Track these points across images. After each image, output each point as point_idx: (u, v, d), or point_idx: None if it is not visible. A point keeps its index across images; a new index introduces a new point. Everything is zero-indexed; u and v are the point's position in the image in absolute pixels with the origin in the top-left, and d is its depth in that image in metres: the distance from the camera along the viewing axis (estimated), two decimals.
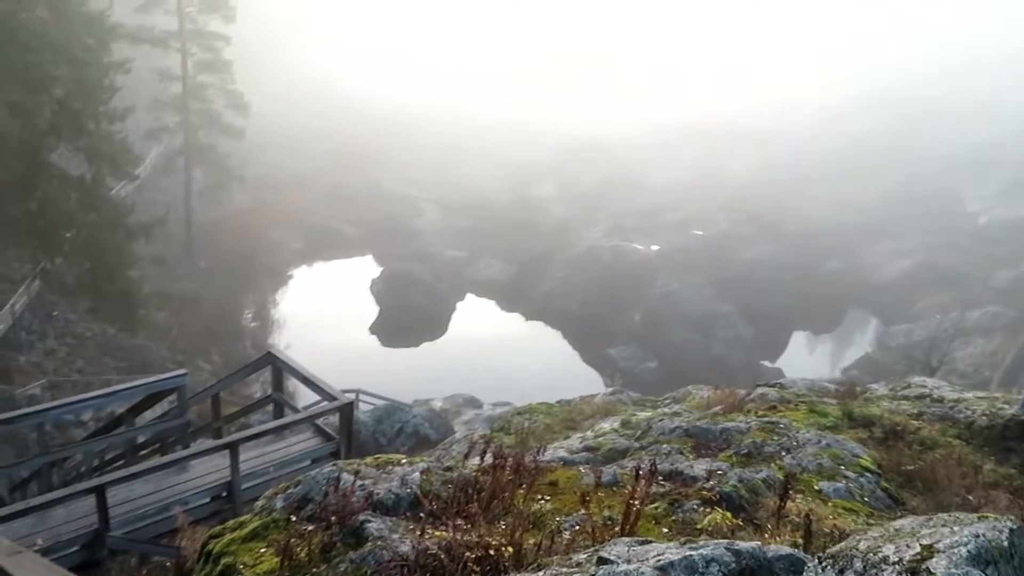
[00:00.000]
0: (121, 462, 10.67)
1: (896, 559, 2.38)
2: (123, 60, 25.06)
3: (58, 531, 6.37)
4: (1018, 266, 48.90)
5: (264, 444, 7.74)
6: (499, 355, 41.36)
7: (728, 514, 4.90)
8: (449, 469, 5.90)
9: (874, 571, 2.38)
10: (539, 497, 5.72)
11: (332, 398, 7.48)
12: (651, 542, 4.18)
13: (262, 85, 60.42)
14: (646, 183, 63.97)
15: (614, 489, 5.94)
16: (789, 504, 5.53)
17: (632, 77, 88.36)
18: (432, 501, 5.36)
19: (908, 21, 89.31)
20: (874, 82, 77.66)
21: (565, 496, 5.80)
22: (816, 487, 5.99)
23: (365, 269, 51.49)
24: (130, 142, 25.07)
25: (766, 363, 42.65)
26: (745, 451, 6.91)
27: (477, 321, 47.34)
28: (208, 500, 7.00)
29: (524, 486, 5.64)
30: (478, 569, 4.30)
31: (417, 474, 5.61)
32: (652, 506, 5.55)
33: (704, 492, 5.48)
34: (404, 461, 5.96)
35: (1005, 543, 2.72)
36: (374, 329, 44.79)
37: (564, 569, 4.03)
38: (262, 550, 4.92)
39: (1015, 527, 2.95)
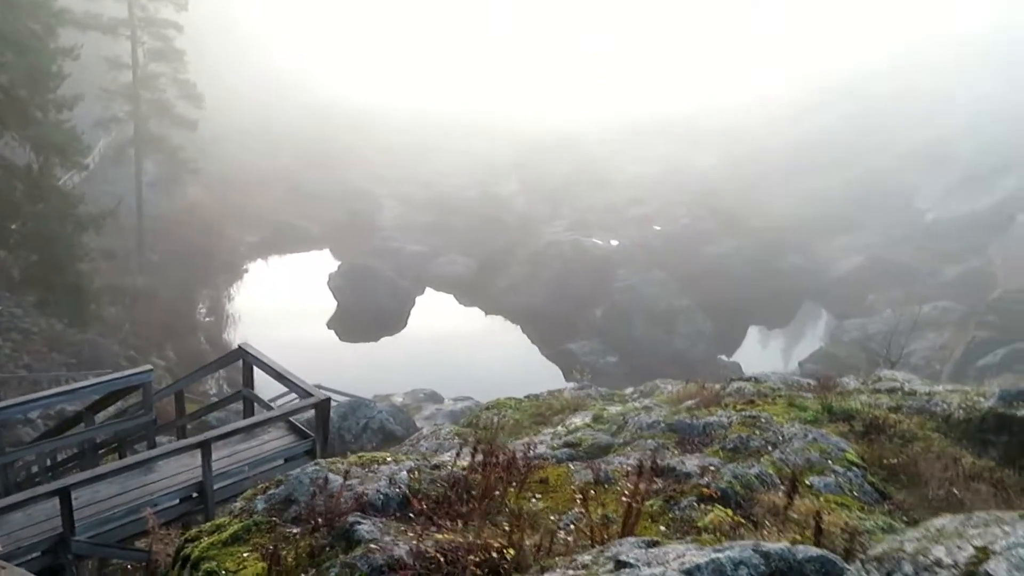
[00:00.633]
0: (75, 462, 10.24)
1: (951, 562, 2.27)
2: (71, 47, 24.12)
3: (18, 536, 6.00)
4: (966, 261, 50.27)
5: (235, 442, 7.43)
6: (459, 350, 41.18)
7: (728, 511, 4.80)
8: (437, 467, 5.71)
9: (927, 575, 2.27)
10: (531, 495, 5.56)
11: (307, 394, 7.21)
12: (659, 543, 4.04)
13: (220, 79, 58.98)
14: (610, 179, 64.16)
15: (606, 487, 5.81)
16: (780, 500, 5.47)
17: (598, 73, 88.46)
18: (422, 501, 5.16)
19: (868, 17, 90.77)
20: (835, 78, 78.75)
21: (557, 494, 5.66)
22: (807, 482, 5.94)
23: (323, 264, 50.77)
24: (79, 131, 24.15)
25: (723, 357, 43.21)
26: (731, 446, 6.85)
27: (437, 316, 47.05)
28: (177, 501, 6.68)
29: (515, 484, 5.47)
30: (479, 572, 4.12)
31: (404, 473, 5.40)
32: (647, 503, 5.43)
33: (701, 489, 5.37)
34: (390, 459, 5.75)
35: None
36: (332, 324, 44.21)
37: (571, 571, 3.88)
38: (245, 554, 4.67)
39: None
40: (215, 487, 6.66)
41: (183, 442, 6.45)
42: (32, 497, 5.63)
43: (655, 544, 4.03)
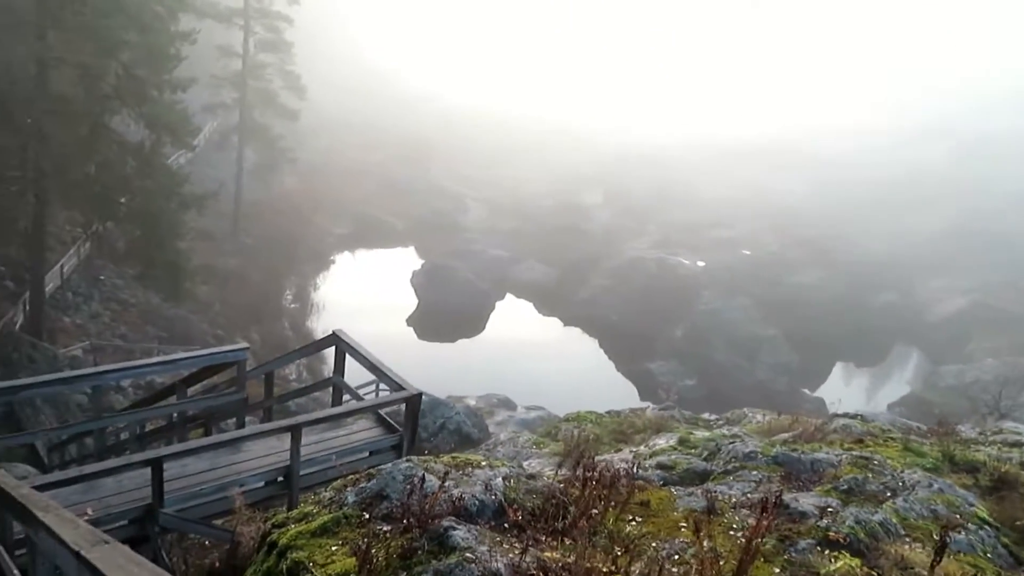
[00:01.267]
0: (163, 434, 10.37)
1: None
2: (189, 31, 25.02)
3: (108, 502, 6.00)
4: None
5: (322, 429, 7.32)
6: (535, 358, 40.84)
7: (857, 561, 4.34)
8: (532, 477, 5.42)
9: None
10: (630, 518, 5.21)
11: (399, 387, 7.03)
12: None
13: (318, 72, 60.59)
14: (696, 198, 62.93)
15: (712, 517, 5.40)
16: (910, 554, 4.96)
17: (690, 91, 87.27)
18: (517, 511, 4.88)
19: (974, 49, 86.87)
20: (936, 111, 75.61)
21: (659, 519, 5.28)
22: (936, 536, 5.38)
23: (407, 261, 51.36)
24: (190, 113, 24.99)
25: (807, 391, 41.59)
26: (844, 487, 6.32)
27: (515, 322, 46.89)
28: (262, 484, 6.59)
29: (616, 504, 5.13)
30: None
31: (500, 480, 5.13)
32: (757, 540, 5.01)
33: (823, 532, 4.91)
34: (484, 464, 5.49)
35: None
36: (411, 321, 44.58)
37: None
38: (334, 548, 4.48)
39: None
40: (300, 473, 6.54)
41: (275, 424, 6.36)
42: (125, 465, 5.61)
43: None
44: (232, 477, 6.45)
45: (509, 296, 49.64)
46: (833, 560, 4.36)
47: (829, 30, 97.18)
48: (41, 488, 5.08)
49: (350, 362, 8.13)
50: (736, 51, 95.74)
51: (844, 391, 44.85)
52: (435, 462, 5.38)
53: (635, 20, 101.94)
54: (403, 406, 7.82)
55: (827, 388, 44.31)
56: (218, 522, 6.63)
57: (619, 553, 4.30)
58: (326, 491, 5.23)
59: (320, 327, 39.31)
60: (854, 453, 7.45)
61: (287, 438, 6.92)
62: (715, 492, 5.89)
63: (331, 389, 8.48)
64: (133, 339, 28.24)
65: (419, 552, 4.29)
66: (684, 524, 5.18)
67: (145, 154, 23.13)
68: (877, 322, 48.51)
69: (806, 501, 5.58)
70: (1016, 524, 6.36)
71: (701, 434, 12.43)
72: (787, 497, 5.78)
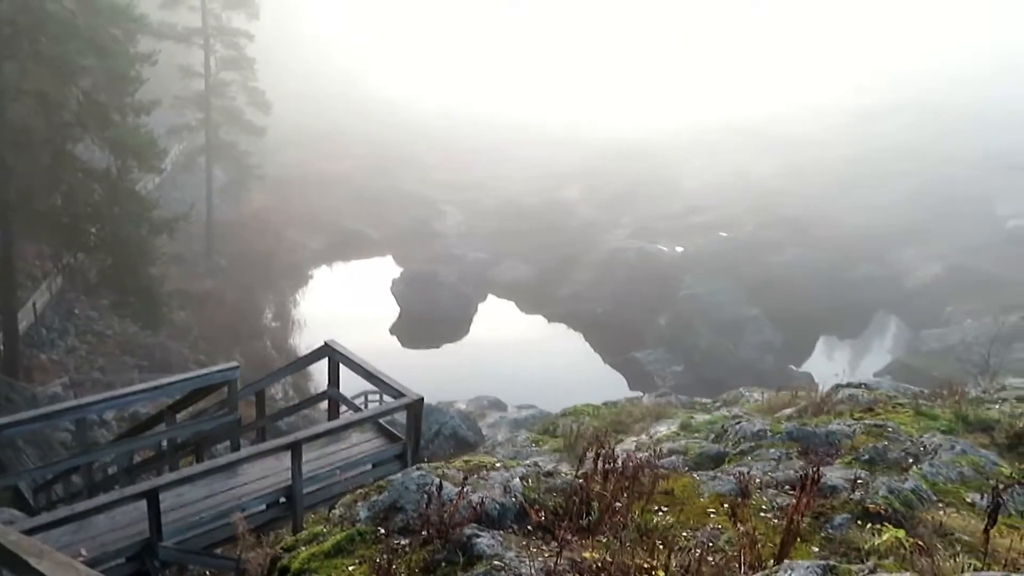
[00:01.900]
0: (153, 464, 10.02)
1: None
2: (150, 52, 24.54)
3: (103, 540, 5.68)
4: None
5: (322, 445, 7.04)
6: (522, 357, 40.62)
7: (901, 532, 4.14)
8: (550, 475, 5.19)
9: None
10: (655, 508, 4.99)
11: (399, 394, 6.77)
12: (836, 569, 3.45)
13: (282, 85, 59.96)
14: (673, 186, 63.07)
15: (739, 500, 5.20)
16: (949, 520, 4.79)
17: (660, 81, 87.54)
18: (539, 512, 4.65)
19: (938, 24, 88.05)
20: (903, 85, 76.53)
21: (685, 508, 5.07)
22: (967, 499, 5.23)
23: (386, 270, 50.92)
24: (156, 135, 24.48)
25: (793, 368, 41.73)
26: (866, 457, 6.17)
27: (499, 323, 46.65)
28: (264, 507, 6.30)
29: (641, 496, 4.91)
30: None
31: (517, 480, 4.89)
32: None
33: (858, 505, 4.72)
34: (499, 465, 5.25)
35: None
36: (394, 330, 44.18)
37: None
38: (351, 568, 4.23)
39: None
40: (304, 492, 6.26)
41: (273, 443, 6.07)
42: (119, 499, 5.30)
43: (833, 571, 3.44)
44: (232, 502, 6.16)
45: (491, 297, 49.38)
46: (877, 534, 4.17)
47: (790, 14, 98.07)
48: (31, 532, 4.77)
49: (340, 373, 7.88)
50: (701, 40, 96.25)
51: (832, 364, 45.18)
52: (447, 468, 5.13)
53: (603, 13, 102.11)
54: (403, 414, 7.59)
55: (812, 363, 44.54)
56: (220, 550, 6.34)
57: (655, 547, 4.08)
58: (336, 508, 4.97)
59: (303, 343, 38.81)
60: (867, 422, 7.31)
61: (286, 457, 6.64)
62: (745, 474, 5.68)
63: (326, 403, 8.21)
64: (112, 371, 27.66)
65: (443, 564, 4.05)
66: (712, 510, 4.98)
67: (112, 180, 22.65)
68: (856, 294, 48.85)
69: (833, 474, 5.40)
70: None
71: (701, 418, 12.29)
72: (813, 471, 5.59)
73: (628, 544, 4.37)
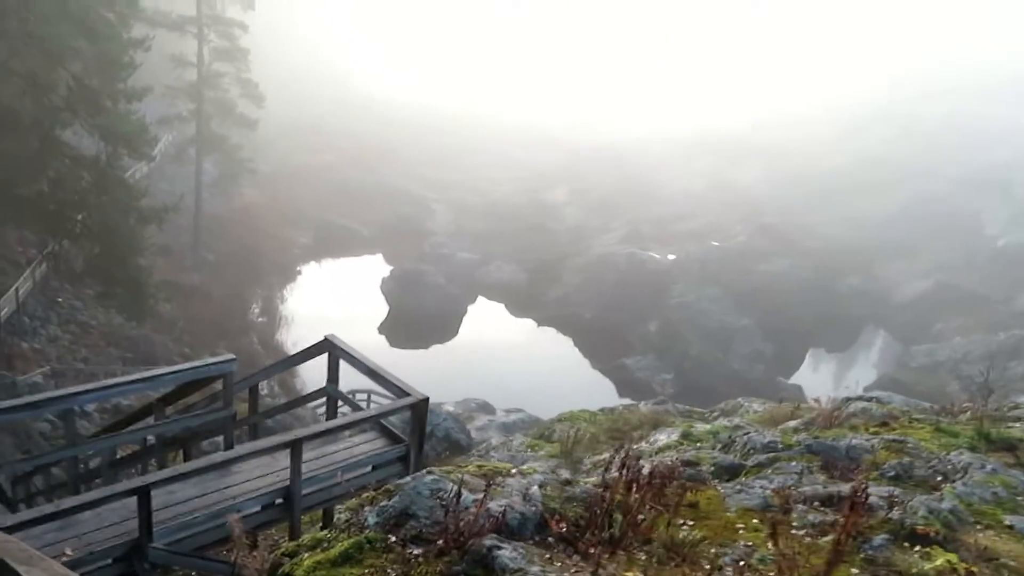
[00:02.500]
0: (138, 460, 9.65)
1: None
2: (143, 38, 24.09)
3: (88, 539, 5.33)
4: None
5: (320, 444, 6.73)
6: (510, 361, 40.38)
7: (953, 557, 3.89)
8: (568, 483, 4.90)
9: None
10: (680, 522, 4.72)
11: (403, 392, 6.46)
12: None
13: (272, 79, 59.41)
14: (661, 192, 63.03)
15: (767, 514, 4.94)
16: (991, 543, 4.54)
17: (647, 86, 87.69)
18: (560, 523, 4.36)
19: (922, 37, 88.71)
20: (887, 97, 76.91)
21: (711, 521, 4.80)
22: (1005, 521, 4.99)
23: (375, 268, 50.52)
24: (147, 122, 24.02)
25: (782, 379, 41.67)
26: (892, 473, 5.93)
27: (488, 325, 46.37)
28: (259, 508, 5.98)
29: (667, 508, 4.63)
30: None
31: (536, 488, 4.60)
32: (826, 539, 4.56)
33: (898, 525, 4.46)
34: (514, 471, 4.96)
35: None
36: (383, 329, 43.79)
37: None
38: None
39: None
40: (302, 493, 5.94)
41: (272, 440, 5.75)
42: (107, 496, 4.97)
43: None
44: (226, 502, 5.82)
45: (481, 299, 49.09)
46: (927, 558, 3.92)
47: (780, 23, 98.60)
48: (12, 529, 4.44)
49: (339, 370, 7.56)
50: (692, 47, 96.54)
51: (819, 377, 45.19)
52: (459, 472, 4.83)
53: (592, 17, 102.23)
54: (400, 415, 7.29)
55: (801, 375, 44.57)
56: (212, 553, 6.01)
57: (686, 564, 3.81)
58: (342, 512, 4.66)
59: (290, 340, 38.38)
60: (885, 437, 7.07)
61: (282, 456, 6.32)
62: (786, 489, 5.41)
63: (316, 402, 7.89)
64: (96, 362, 27.10)
65: None
66: (741, 525, 4.71)
67: (101, 167, 22.18)
68: (844, 307, 48.99)
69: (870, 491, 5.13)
70: None
71: (702, 427, 12.04)
72: (844, 488, 5.34)
73: (656, 561, 4.10)
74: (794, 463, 6.31)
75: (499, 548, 3.83)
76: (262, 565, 4.99)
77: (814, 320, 47.05)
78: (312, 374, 30.24)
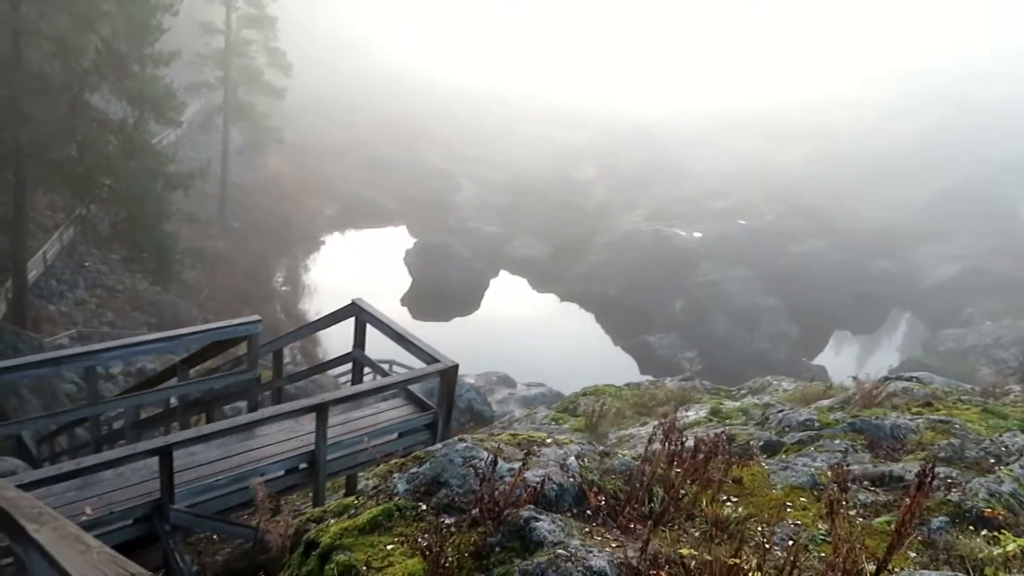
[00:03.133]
0: (161, 421, 9.59)
1: None
2: (171, 2, 23.86)
3: (109, 499, 5.22)
4: None
5: (345, 409, 6.56)
6: (532, 335, 40.22)
7: (1021, 540, 3.63)
8: (606, 455, 4.68)
9: None
10: (724, 498, 4.49)
11: (432, 359, 6.27)
12: None
13: (301, 50, 59.13)
14: (690, 170, 62.16)
15: (815, 493, 4.69)
16: None
17: (680, 63, 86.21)
18: (598, 495, 4.15)
19: (976, 19, 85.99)
20: (928, 80, 74.98)
21: (756, 498, 4.56)
22: None
23: (399, 240, 50.46)
24: (175, 88, 23.87)
25: (806, 360, 41.18)
26: (942, 455, 5.64)
27: (511, 299, 46.19)
28: (282, 472, 5.83)
29: (711, 483, 4.40)
30: None
31: (573, 459, 4.39)
32: (879, 520, 4.31)
33: (957, 507, 4.20)
34: (550, 441, 4.74)
35: None
36: (405, 301, 43.76)
37: None
38: (389, 547, 3.72)
39: None
40: (328, 458, 5.78)
41: (298, 403, 5.58)
42: (128, 455, 4.82)
43: None
44: (250, 466, 5.67)
45: (504, 273, 48.89)
46: (995, 542, 3.66)
47: (820, 1, 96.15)
48: (31, 486, 4.31)
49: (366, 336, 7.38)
50: (728, 23, 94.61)
51: (845, 360, 44.62)
52: (492, 441, 4.63)
53: None
54: (424, 383, 7.10)
55: (825, 356, 44.03)
56: (234, 516, 5.88)
57: (725, 539, 3.57)
58: (369, 479, 4.47)
59: (313, 309, 38.50)
60: (930, 417, 6.77)
61: (306, 420, 6.16)
62: (843, 466, 5.14)
63: (348, 368, 7.71)
64: (121, 326, 27.32)
65: (496, 550, 3.55)
66: (789, 503, 4.47)
67: (128, 132, 22.07)
68: (873, 289, 48.20)
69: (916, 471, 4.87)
70: None
71: (731, 404, 11.80)
72: (895, 467, 5.08)
73: (703, 538, 3.87)
74: (837, 441, 6.05)
75: (537, 520, 3.62)
76: (285, 530, 4.84)
77: (841, 302, 46.37)
78: (333, 343, 30.29)
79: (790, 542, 3.96)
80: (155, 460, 5.04)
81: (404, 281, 45.21)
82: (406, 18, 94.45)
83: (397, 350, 7.78)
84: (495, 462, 3.78)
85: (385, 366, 20.93)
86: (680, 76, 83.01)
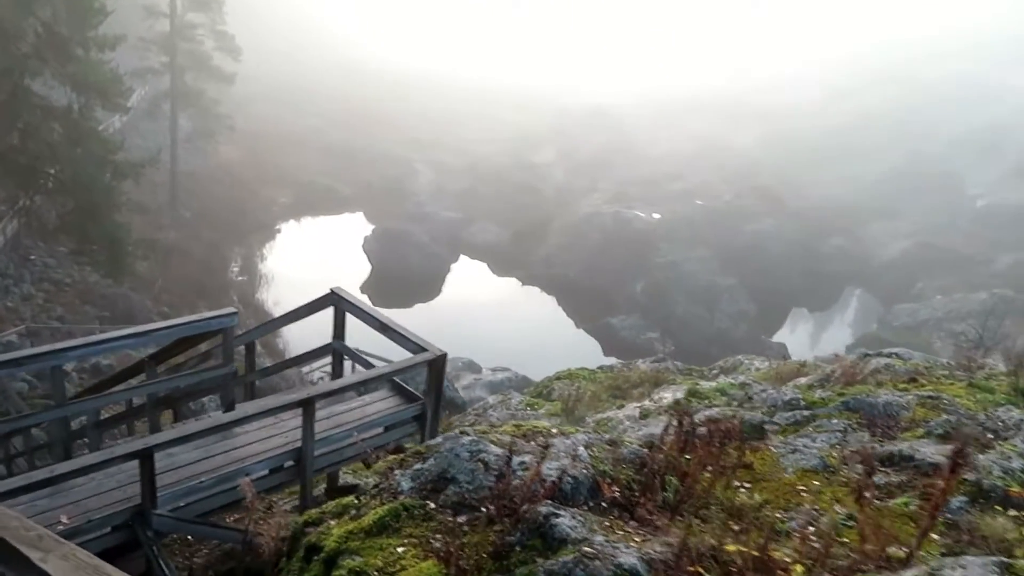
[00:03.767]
0: (124, 421, 9.20)
1: None
2: None
3: (85, 506, 4.89)
4: (1021, 249, 48.27)
5: (329, 403, 6.30)
6: (495, 320, 40.07)
7: None
8: (613, 444, 4.52)
9: None
10: (736, 484, 4.37)
11: (419, 348, 6.04)
12: (1012, 565, 2.84)
13: (257, 37, 57.76)
14: (648, 152, 62.41)
15: (826, 475, 4.60)
16: None
17: (634, 46, 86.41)
18: (612, 487, 3.99)
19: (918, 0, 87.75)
20: (877, 60, 76.33)
21: (769, 483, 4.46)
22: None
23: (357, 227, 49.73)
24: (120, 72, 23.01)
25: (766, 338, 41.79)
26: (940, 431, 5.61)
27: (472, 284, 45.93)
28: (267, 472, 5.56)
29: (725, 470, 4.28)
30: None
31: (583, 449, 4.22)
32: (896, 502, 4.23)
33: (973, 486, 4.14)
34: (555, 431, 4.56)
35: None
36: (365, 288, 43.16)
37: None
38: (399, 550, 3.51)
39: None
40: (315, 455, 5.53)
41: (283, 398, 5.31)
42: (107, 460, 4.52)
43: (1010, 569, 2.82)
44: (233, 466, 5.39)
45: (464, 258, 48.58)
46: (1021, 523, 3.60)
47: None
48: (3, 496, 3.98)
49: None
50: (682, 5, 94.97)
51: (802, 337, 45.43)
52: (498, 433, 4.43)
53: None
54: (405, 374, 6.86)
55: (783, 334, 44.77)
56: (218, 519, 5.60)
57: (745, 527, 3.45)
58: (369, 477, 4.25)
59: (271, 299, 37.78)
60: (919, 394, 6.77)
61: (287, 416, 5.88)
62: (869, 449, 5.05)
63: (322, 363, 7.44)
64: (72, 320, 26.36)
65: (517, 549, 3.37)
66: (802, 487, 4.37)
67: (73, 119, 21.26)
68: (827, 267, 49.12)
69: (928, 450, 4.82)
70: None
71: (707, 385, 11.75)
72: (903, 446, 5.02)
73: (721, 526, 3.74)
74: (835, 420, 5.99)
75: (557, 516, 3.45)
76: (278, 532, 4.59)
77: (798, 280, 47.14)
78: (294, 335, 29.73)
79: (810, 528, 3.85)
80: (132, 464, 4.74)
81: (363, 268, 44.62)
82: (361, 4, 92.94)
83: (370, 340, 7.53)
84: (510, 457, 3.58)
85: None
86: (636, 58, 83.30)
